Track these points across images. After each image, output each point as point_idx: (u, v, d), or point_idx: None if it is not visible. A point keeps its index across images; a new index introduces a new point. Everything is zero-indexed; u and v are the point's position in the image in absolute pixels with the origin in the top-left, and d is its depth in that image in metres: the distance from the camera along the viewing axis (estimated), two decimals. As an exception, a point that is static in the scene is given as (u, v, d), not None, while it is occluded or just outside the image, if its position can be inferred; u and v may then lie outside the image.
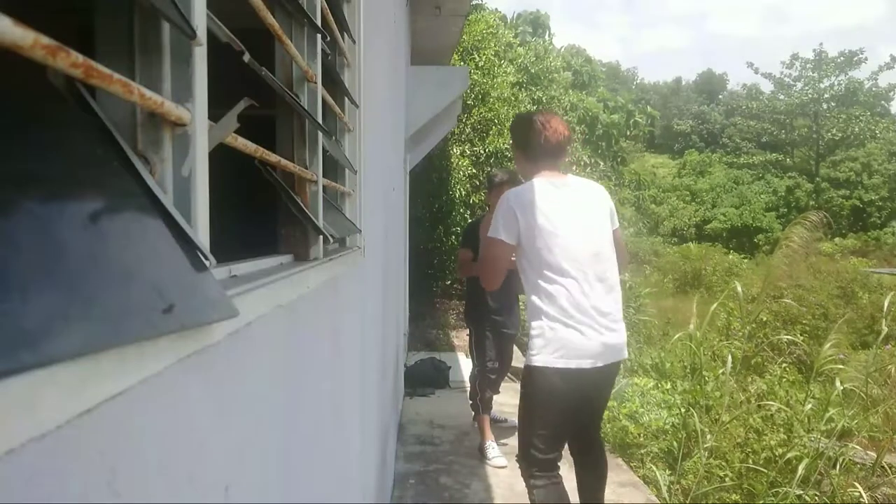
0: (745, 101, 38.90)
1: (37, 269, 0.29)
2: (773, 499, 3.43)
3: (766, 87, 42.27)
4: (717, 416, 4.01)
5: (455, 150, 10.57)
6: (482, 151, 10.65)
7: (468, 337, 4.12)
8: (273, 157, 0.82)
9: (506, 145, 10.09)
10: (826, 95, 33.37)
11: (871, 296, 12.18)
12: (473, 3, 11.61)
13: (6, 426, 0.26)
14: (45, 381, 0.28)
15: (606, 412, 4.65)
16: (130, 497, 0.38)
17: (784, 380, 5.06)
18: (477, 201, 10.46)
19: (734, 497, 3.57)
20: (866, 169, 31.42)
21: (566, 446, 2.43)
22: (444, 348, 7.08)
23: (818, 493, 3.48)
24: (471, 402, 3.96)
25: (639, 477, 3.69)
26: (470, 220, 9.26)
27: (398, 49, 3.87)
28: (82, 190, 0.37)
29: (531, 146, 2.37)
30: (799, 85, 34.13)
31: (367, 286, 1.97)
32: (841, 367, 4.63)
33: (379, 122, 2.45)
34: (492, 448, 3.72)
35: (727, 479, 3.62)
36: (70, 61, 0.32)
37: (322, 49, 1.13)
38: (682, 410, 4.17)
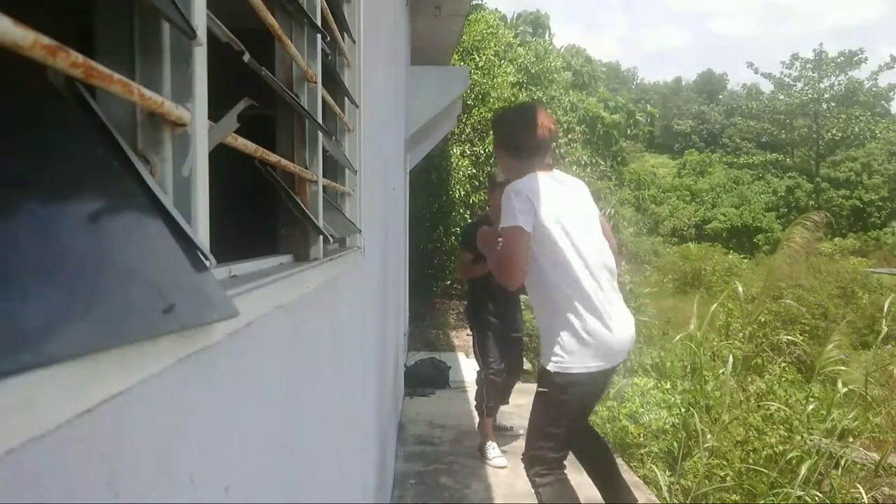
0: (745, 101, 38.98)
1: (37, 269, 0.29)
2: (773, 499, 3.43)
3: (766, 87, 42.26)
4: (717, 416, 4.01)
5: (455, 150, 10.59)
6: (482, 151, 10.67)
7: (470, 338, 4.10)
8: (273, 157, 0.82)
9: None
10: (826, 95, 33.38)
11: (871, 296, 12.20)
12: (473, 3, 11.62)
13: (6, 426, 0.26)
14: (45, 381, 0.28)
15: (606, 412, 4.67)
16: (130, 497, 0.38)
17: (784, 379, 5.07)
18: (477, 201, 10.47)
19: (735, 497, 3.57)
20: (866, 169, 31.45)
21: None
22: (444, 348, 7.08)
23: (819, 494, 3.48)
24: (475, 404, 3.94)
25: (639, 477, 3.68)
26: (470, 221, 9.28)
27: (398, 49, 3.87)
28: (82, 190, 0.36)
29: (523, 145, 2.27)
30: (799, 85, 34.16)
31: (367, 286, 1.97)
32: (842, 367, 4.63)
33: (379, 122, 2.45)
34: (492, 448, 3.72)
35: (728, 479, 3.62)
36: (70, 61, 0.32)
37: (322, 49, 1.13)
38: (683, 410, 4.17)
